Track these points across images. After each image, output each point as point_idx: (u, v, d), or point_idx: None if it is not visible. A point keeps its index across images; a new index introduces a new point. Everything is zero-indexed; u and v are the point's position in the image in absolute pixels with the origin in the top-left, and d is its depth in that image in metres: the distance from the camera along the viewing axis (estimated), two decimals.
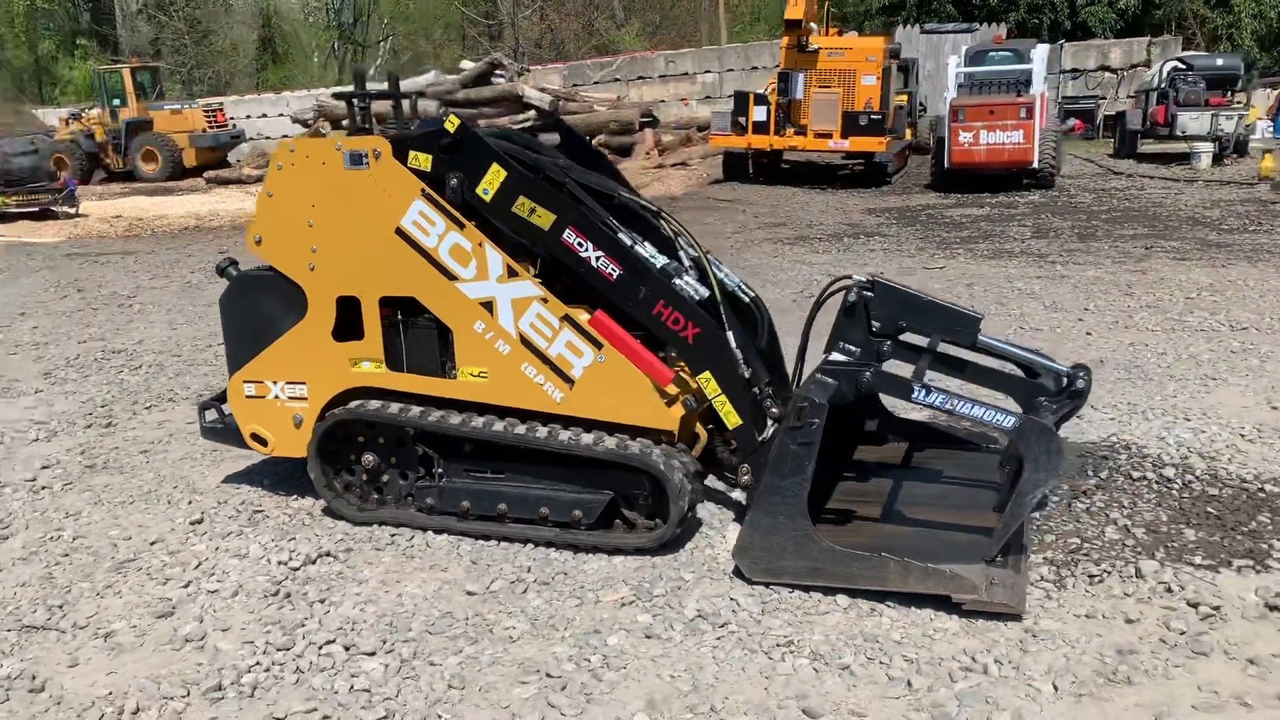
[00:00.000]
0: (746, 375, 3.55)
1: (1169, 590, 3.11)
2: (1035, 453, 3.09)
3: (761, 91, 15.21)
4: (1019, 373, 3.61)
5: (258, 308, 3.87)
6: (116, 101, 25.92)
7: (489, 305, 3.56)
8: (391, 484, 3.78)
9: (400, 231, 3.58)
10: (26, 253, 11.75)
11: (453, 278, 3.57)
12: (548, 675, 2.79)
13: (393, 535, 3.69)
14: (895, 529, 3.52)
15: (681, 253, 3.77)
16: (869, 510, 3.67)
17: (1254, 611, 2.98)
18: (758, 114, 14.72)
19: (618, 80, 25.61)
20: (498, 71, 25.54)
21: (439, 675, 2.80)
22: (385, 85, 4.05)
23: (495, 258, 3.53)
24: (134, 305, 8.18)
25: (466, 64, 25.76)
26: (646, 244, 3.67)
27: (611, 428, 3.54)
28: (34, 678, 2.83)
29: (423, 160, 3.61)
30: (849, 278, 3.74)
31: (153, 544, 3.67)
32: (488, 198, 3.56)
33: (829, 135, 14.52)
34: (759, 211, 12.54)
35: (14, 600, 3.27)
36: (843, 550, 3.13)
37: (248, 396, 3.91)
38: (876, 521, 3.59)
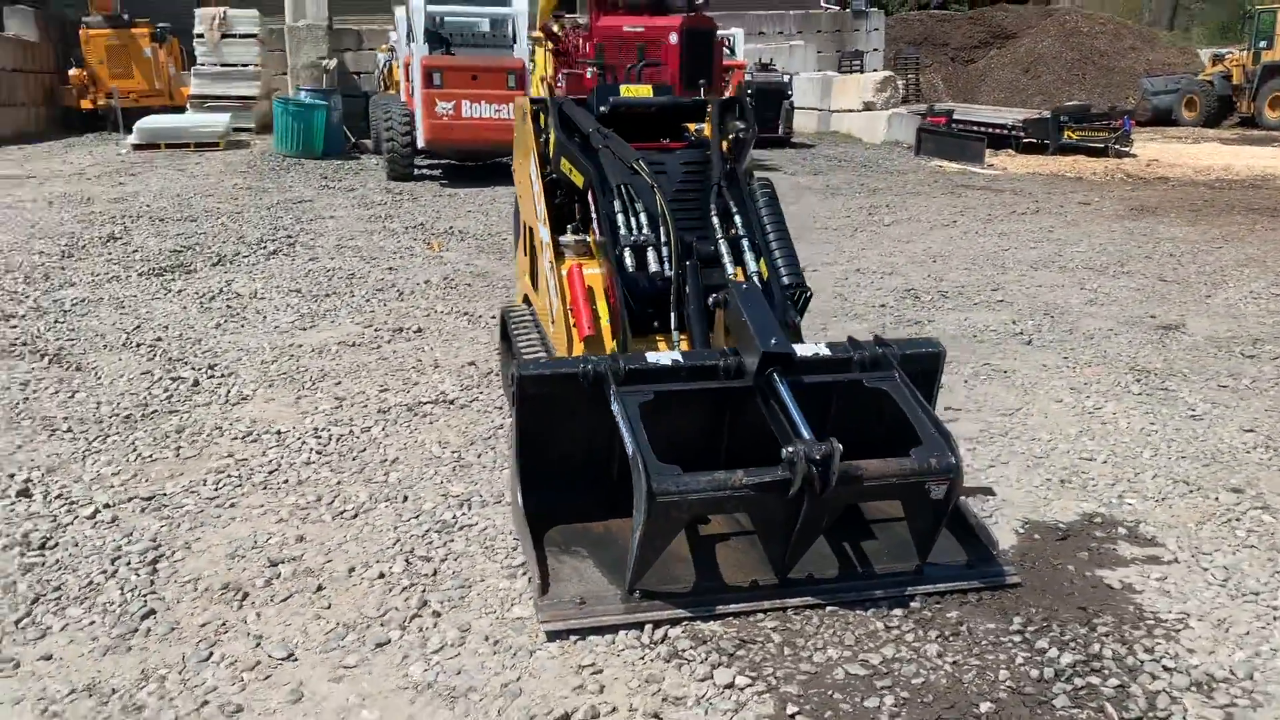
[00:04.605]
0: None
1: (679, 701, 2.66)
2: (636, 491, 2.92)
3: None
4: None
5: (517, 219, 5.17)
6: (1263, 44, 25.07)
7: (545, 245, 4.33)
8: None
9: (530, 175, 4.54)
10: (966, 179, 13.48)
11: (539, 219, 4.42)
12: (287, 450, 3.85)
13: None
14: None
15: (664, 228, 3.89)
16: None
17: None
18: None
19: None
20: None
21: (264, 394, 4.08)
22: None
23: (543, 206, 4.28)
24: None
25: None
26: (643, 214, 3.95)
27: None
28: (230, 373, 4.94)
29: (544, 121, 4.47)
30: (739, 281, 3.54)
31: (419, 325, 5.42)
32: (551, 155, 4.30)
33: None
34: None
35: (323, 355, 5.41)
36: (520, 511, 3.37)
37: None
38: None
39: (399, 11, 14.56)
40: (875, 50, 30.14)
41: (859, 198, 11.74)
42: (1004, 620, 2.99)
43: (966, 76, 32.34)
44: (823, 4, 32.13)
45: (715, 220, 3.97)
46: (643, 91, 4.53)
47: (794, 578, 3.13)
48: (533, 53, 16.39)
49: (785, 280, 3.91)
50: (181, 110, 18.98)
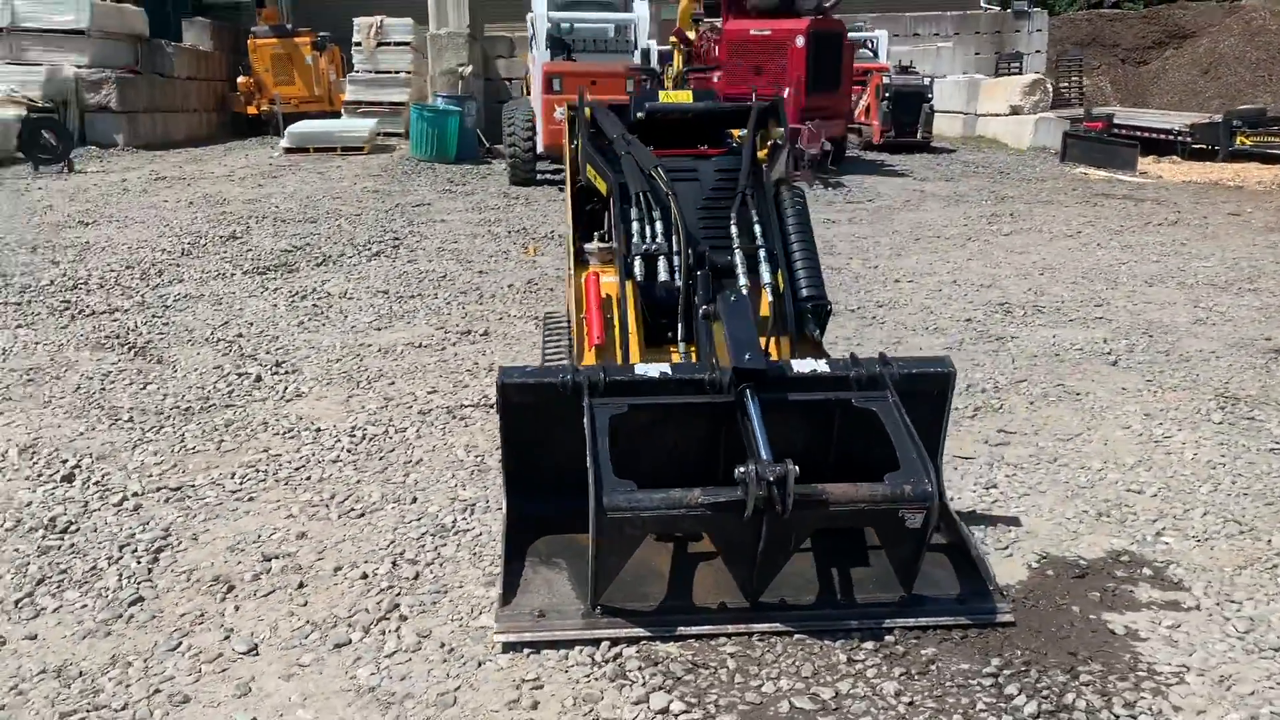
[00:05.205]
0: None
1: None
2: (590, 505, 2.87)
3: None
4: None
5: None
6: None
7: (568, 251, 4.32)
8: None
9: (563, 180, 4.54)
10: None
11: (568, 225, 4.41)
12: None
13: None
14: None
15: (677, 237, 3.80)
16: None
17: None
18: None
19: None
20: None
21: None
22: None
23: (569, 212, 4.27)
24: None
25: None
26: (659, 223, 3.89)
27: None
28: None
29: (575, 127, 4.46)
30: (727, 293, 3.43)
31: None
32: (579, 161, 4.28)
33: None
34: None
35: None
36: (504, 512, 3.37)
37: None
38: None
39: (529, 19, 14.84)
40: (1037, 52, 28.94)
41: (984, 205, 11.28)
42: (981, 661, 2.80)
43: (1137, 79, 30.66)
44: (982, 4, 31.10)
45: (734, 229, 3.86)
46: (683, 98, 4.46)
47: (766, 602, 3.01)
48: (671, 56, 16.45)
49: (804, 293, 3.77)
50: (338, 115, 19.82)
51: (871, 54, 19.75)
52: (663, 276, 3.72)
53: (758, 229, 3.87)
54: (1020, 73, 23.39)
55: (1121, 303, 6.81)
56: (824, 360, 3.35)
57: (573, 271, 4.03)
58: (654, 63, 16.07)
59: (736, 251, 3.80)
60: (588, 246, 4.13)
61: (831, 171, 13.30)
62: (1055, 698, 2.63)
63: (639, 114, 4.38)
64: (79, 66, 17.13)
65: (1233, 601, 3.09)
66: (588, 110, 4.32)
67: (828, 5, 13.53)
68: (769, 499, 2.75)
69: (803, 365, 3.31)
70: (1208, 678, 2.72)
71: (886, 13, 28.18)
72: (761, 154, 4.31)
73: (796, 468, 2.73)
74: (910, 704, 2.63)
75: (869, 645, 2.89)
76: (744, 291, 3.70)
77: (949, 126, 19.63)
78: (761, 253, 3.80)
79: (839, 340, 5.89)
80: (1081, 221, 10.16)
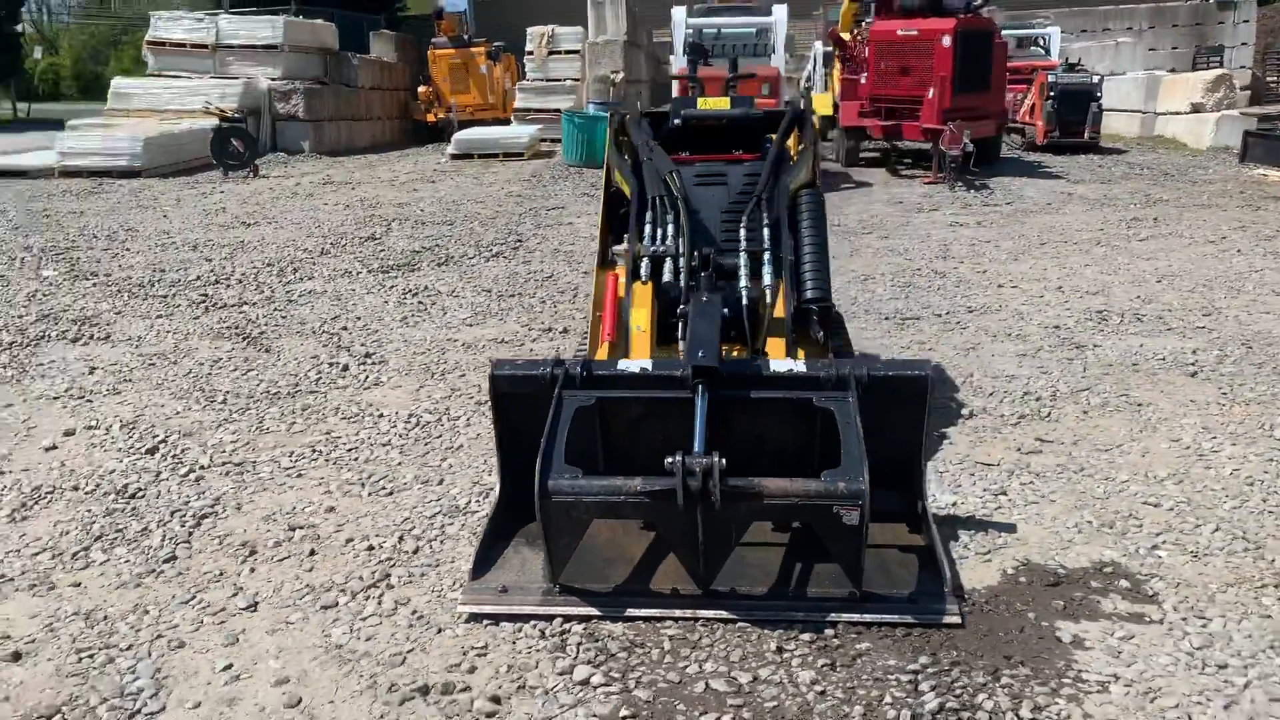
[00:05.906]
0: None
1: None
2: None
3: None
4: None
5: None
6: None
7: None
8: None
9: None
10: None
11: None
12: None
13: None
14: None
15: (683, 240, 3.95)
16: None
17: None
18: None
19: None
20: None
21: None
22: None
23: (601, 215, 4.47)
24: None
25: None
26: (670, 226, 4.06)
27: None
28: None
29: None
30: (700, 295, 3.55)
31: None
32: (610, 167, 4.48)
33: None
34: None
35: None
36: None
37: None
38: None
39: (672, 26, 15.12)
40: (1243, 44, 27.14)
41: (1131, 209, 10.78)
42: (909, 658, 2.84)
43: None
44: None
45: (742, 232, 3.98)
46: (721, 104, 4.59)
47: (717, 590, 3.13)
48: (832, 59, 16.41)
49: (807, 294, 3.85)
50: (509, 122, 20.66)
51: (1044, 51, 19.06)
52: (667, 278, 3.88)
53: (765, 232, 3.98)
54: (1221, 66, 22.01)
55: (1234, 312, 6.46)
56: (801, 361, 3.43)
57: (594, 270, 4.23)
58: (818, 65, 16.07)
59: (742, 254, 3.92)
60: (615, 248, 4.32)
61: (975, 173, 12.96)
62: (967, 697, 2.66)
63: (676, 120, 4.54)
64: (272, 79, 18.53)
65: (1201, 618, 3.00)
66: (620, 118, 4.51)
67: (977, 4, 13.19)
68: (703, 490, 2.88)
69: (780, 365, 3.40)
70: (1134, 689, 2.67)
71: (1073, 8, 27.02)
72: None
73: (723, 460, 2.85)
74: (821, 693, 2.71)
75: (806, 637, 2.96)
76: (744, 293, 3.83)
77: (1125, 126, 18.70)
78: (766, 255, 3.91)
79: (912, 345, 5.87)
80: (1232, 227, 9.59)
